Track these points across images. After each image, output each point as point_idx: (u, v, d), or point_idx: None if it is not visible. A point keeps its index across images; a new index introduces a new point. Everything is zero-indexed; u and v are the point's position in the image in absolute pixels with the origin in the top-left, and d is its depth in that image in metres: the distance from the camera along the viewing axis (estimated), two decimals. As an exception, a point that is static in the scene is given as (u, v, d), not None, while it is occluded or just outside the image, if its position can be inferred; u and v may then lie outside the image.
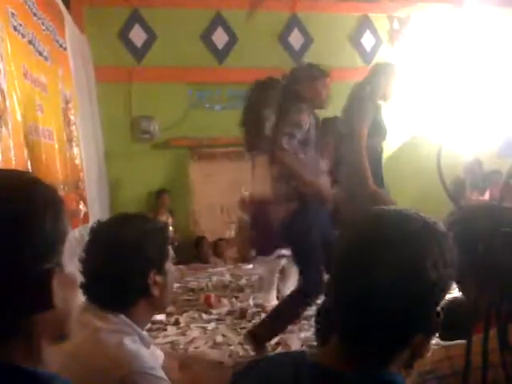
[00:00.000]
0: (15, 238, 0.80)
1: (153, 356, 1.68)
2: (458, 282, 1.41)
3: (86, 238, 1.70)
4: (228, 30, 7.59)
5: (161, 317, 3.89)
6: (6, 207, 0.82)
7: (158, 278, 1.65)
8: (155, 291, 1.65)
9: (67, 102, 4.36)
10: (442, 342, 1.37)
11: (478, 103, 7.74)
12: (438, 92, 7.74)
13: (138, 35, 7.24)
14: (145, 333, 1.70)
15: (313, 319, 3.55)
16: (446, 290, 1.02)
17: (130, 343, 1.57)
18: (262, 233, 4.27)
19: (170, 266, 1.72)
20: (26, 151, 2.98)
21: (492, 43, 7.94)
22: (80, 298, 1.59)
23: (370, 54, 7.93)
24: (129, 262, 1.60)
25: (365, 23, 7.99)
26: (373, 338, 1.00)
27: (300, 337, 3.60)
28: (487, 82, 7.79)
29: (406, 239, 0.99)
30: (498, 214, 1.15)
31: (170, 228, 7.24)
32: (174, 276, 1.81)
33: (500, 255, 1.08)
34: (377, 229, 1.03)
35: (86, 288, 1.62)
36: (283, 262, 4.38)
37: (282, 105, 3.64)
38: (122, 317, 1.61)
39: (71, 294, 0.93)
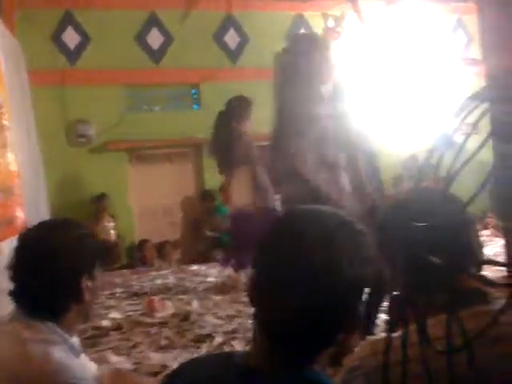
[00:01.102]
0: None
1: (83, 366, 1.65)
2: None
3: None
4: (163, 30, 7.56)
5: (104, 322, 3.85)
6: None
7: (89, 283, 1.64)
8: (87, 296, 1.64)
9: (-1, 107, 4.24)
10: (371, 337, 1.38)
11: (413, 100, 7.97)
12: (374, 90, 7.92)
13: (71, 37, 7.12)
14: (75, 341, 1.68)
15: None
16: (365, 287, 1.02)
17: (58, 353, 1.54)
18: (242, 245, 4.43)
19: (97, 270, 1.72)
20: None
21: (426, 39, 8.19)
22: (8, 306, 1.56)
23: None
24: (61, 267, 1.58)
25: (300, 22, 8.10)
26: (294, 337, 0.99)
27: (245, 336, 3.62)
28: (422, 78, 8.03)
29: (321, 237, 0.99)
30: (414, 208, 1.12)
31: (112, 232, 7.16)
32: (101, 281, 1.80)
33: (413, 250, 1.06)
34: (294, 227, 1.03)
35: (16, 295, 1.60)
36: None
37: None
38: (51, 325, 1.58)
39: None
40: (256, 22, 7.75)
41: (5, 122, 4.37)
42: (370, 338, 1.37)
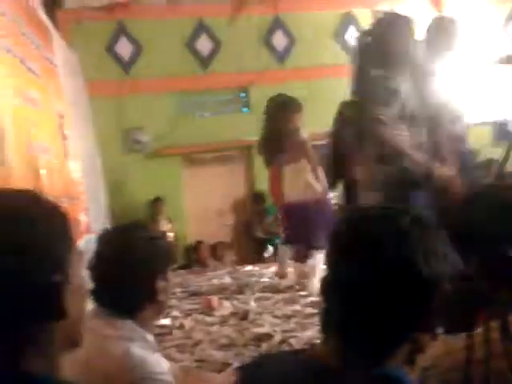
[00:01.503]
0: (25, 258, 0.84)
1: (159, 361, 1.71)
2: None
3: (91, 248, 1.76)
4: (211, 36, 7.68)
5: (166, 321, 3.95)
6: (11, 229, 0.85)
7: (162, 284, 1.72)
8: (161, 296, 1.71)
9: (61, 117, 4.43)
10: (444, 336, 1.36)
11: (470, 92, 7.77)
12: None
13: (124, 48, 7.34)
14: (151, 338, 1.75)
15: (315, 318, 3.59)
16: (441, 284, 1.00)
17: (137, 349, 1.62)
18: (296, 239, 4.77)
19: (169, 271, 1.80)
20: (25, 168, 3.05)
21: (476, 34, 8.00)
22: (89, 305, 1.64)
23: (356, 50, 8.01)
24: (139, 268, 1.67)
25: (348, 19, 8.05)
26: (370, 335, 1.00)
27: (303, 336, 3.65)
28: (477, 70, 7.83)
29: (395, 236, 0.99)
30: (495, 201, 1.13)
31: (171, 234, 7.33)
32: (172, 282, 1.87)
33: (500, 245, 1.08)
34: (366, 227, 1.03)
35: (96, 294, 1.69)
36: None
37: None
38: (130, 323, 1.66)
39: (81, 303, 0.97)
40: (303, 23, 7.76)
41: (66, 132, 4.56)
42: (442, 336, 1.35)
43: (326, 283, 1.06)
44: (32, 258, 0.85)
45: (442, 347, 1.23)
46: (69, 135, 4.62)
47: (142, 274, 1.67)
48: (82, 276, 0.98)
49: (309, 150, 4.67)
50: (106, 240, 1.75)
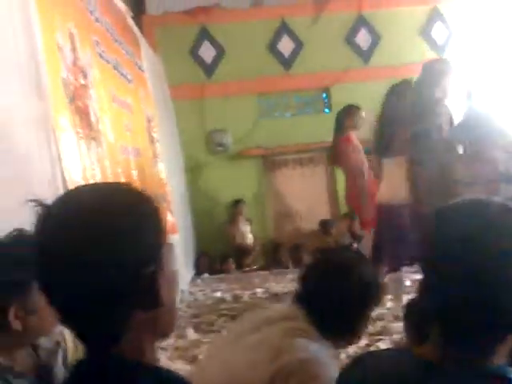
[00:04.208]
0: (126, 247, 0.88)
1: None
2: None
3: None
4: (293, 36, 7.65)
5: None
6: (117, 220, 0.89)
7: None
8: None
9: (149, 121, 4.57)
10: None
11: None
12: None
13: (207, 51, 7.46)
14: None
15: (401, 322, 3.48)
16: None
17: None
18: (394, 242, 4.11)
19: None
20: (119, 169, 3.16)
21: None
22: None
23: (442, 46, 7.76)
24: None
25: (435, 15, 7.79)
26: (475, 332, 0.98)
27: (391, 338, 3.58)
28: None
29: (495, 229, 0.97)
30: None
31: (250, 235, 7.39)
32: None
33: None
34: (460, 219, 1.01)
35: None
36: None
37: None
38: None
39: (174, 292, 0.99)
40: (388, 20, 7.57)
41: (154, 135, 4.69)
42: None
43: (429, 283, 1.04)
44: (127, 246, 0.88)
45: None
46: (157, 138, 4.76)
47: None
48: (174, 266, 1.00)
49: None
50: None
